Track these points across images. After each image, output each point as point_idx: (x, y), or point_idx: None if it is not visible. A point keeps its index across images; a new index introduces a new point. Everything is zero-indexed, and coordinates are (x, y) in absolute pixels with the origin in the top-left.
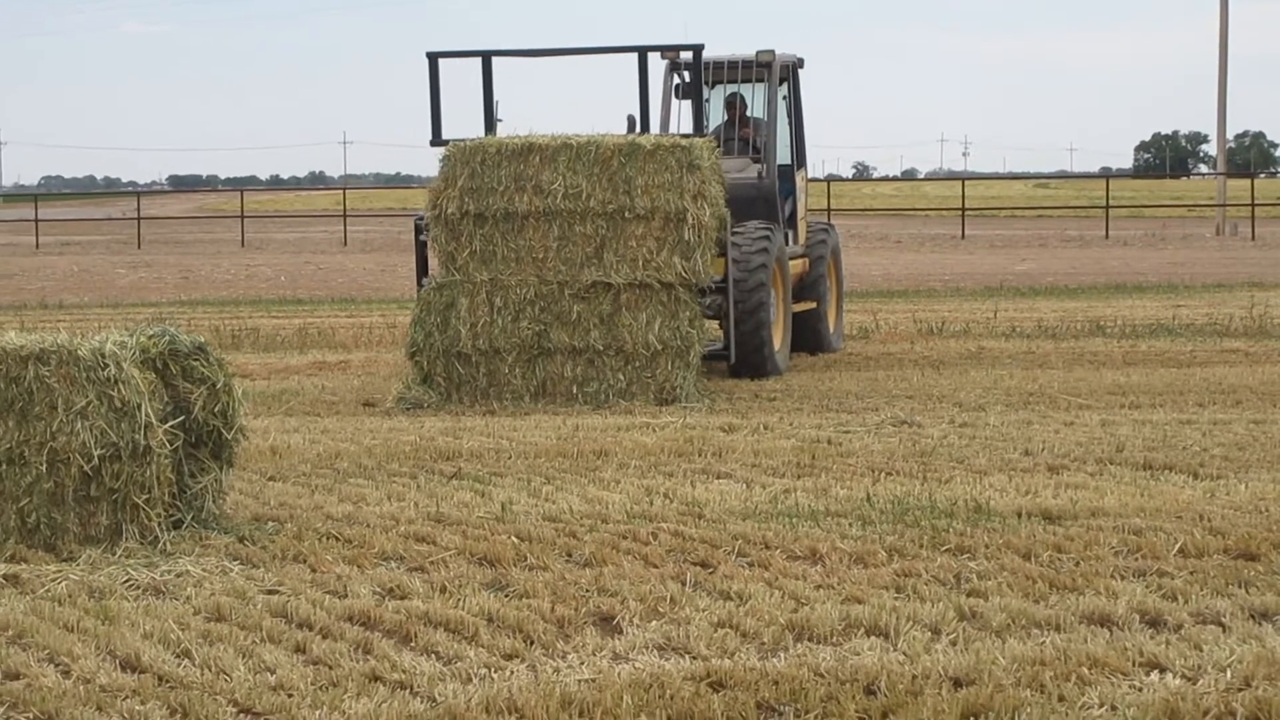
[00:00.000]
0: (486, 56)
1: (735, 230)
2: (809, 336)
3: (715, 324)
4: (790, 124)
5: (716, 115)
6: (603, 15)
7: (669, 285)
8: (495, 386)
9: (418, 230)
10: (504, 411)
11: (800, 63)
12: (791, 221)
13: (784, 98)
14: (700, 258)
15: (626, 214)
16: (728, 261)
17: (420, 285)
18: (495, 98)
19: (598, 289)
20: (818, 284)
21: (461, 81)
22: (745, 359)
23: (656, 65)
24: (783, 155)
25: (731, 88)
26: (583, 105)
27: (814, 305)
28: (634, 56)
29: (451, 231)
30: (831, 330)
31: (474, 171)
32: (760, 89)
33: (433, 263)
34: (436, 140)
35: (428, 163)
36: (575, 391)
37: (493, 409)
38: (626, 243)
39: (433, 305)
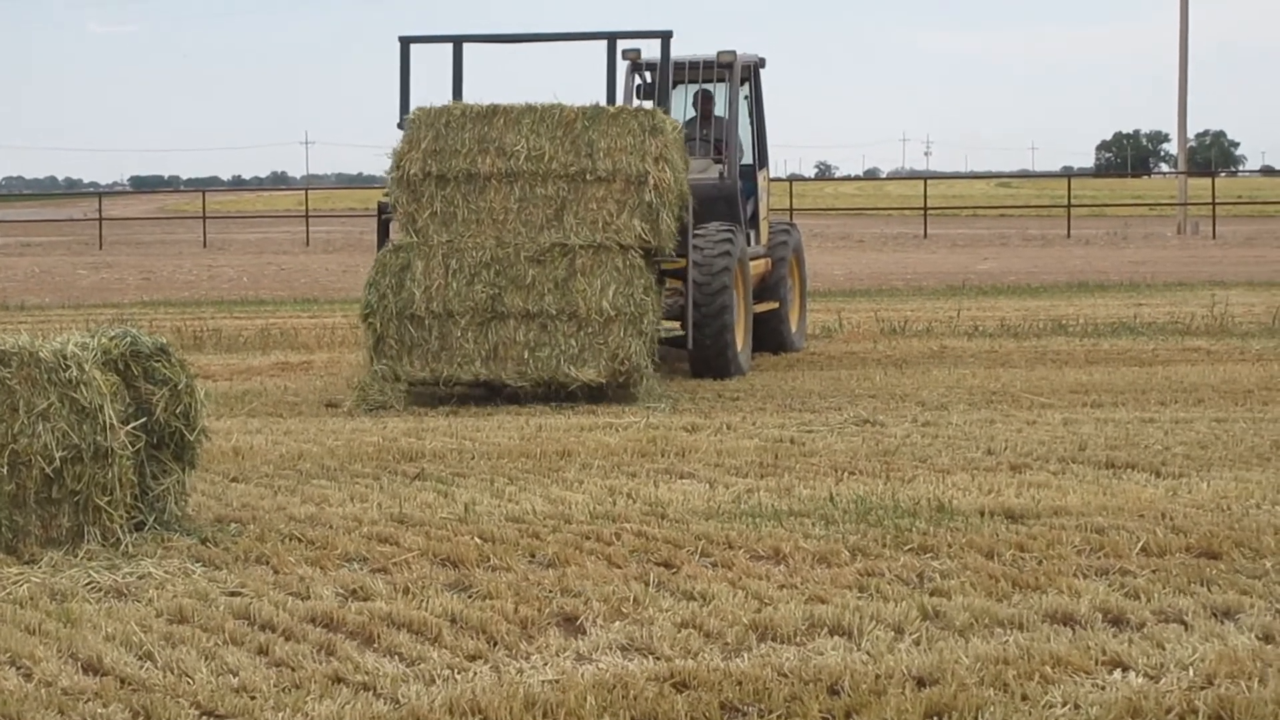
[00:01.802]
0: (458, 42)
1: (697, 232)
2: (771, 337)
3: (675, 323)
4: (752, 124)
5: (678, 115)
6: (566, 12)
7: (626, 250)
8: (447, 351)
9: (381, 210)
10: (466, 412)
11: (761, 63)
12: (754, 222)
13: (745, 98)
14: (662, 220)
15: (588, 176)
16: (689, 263)
17: None
18: (464, 84)
19: (554, 253)
20: (780, 284)
21: (430, 69)
22: (708, 361)
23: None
24: (744, 155)
25: (694, 88)
26: (551, 93)
27: (776, 306)
28: (603, 44)
29: (413, 193)
30: (794, 330)
31: (438, 134)
32: (721, 89)
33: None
34: (404, 123)
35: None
36: (526, 357)
37: (443, 372)
38: (587, 205)
39: (388, 267)
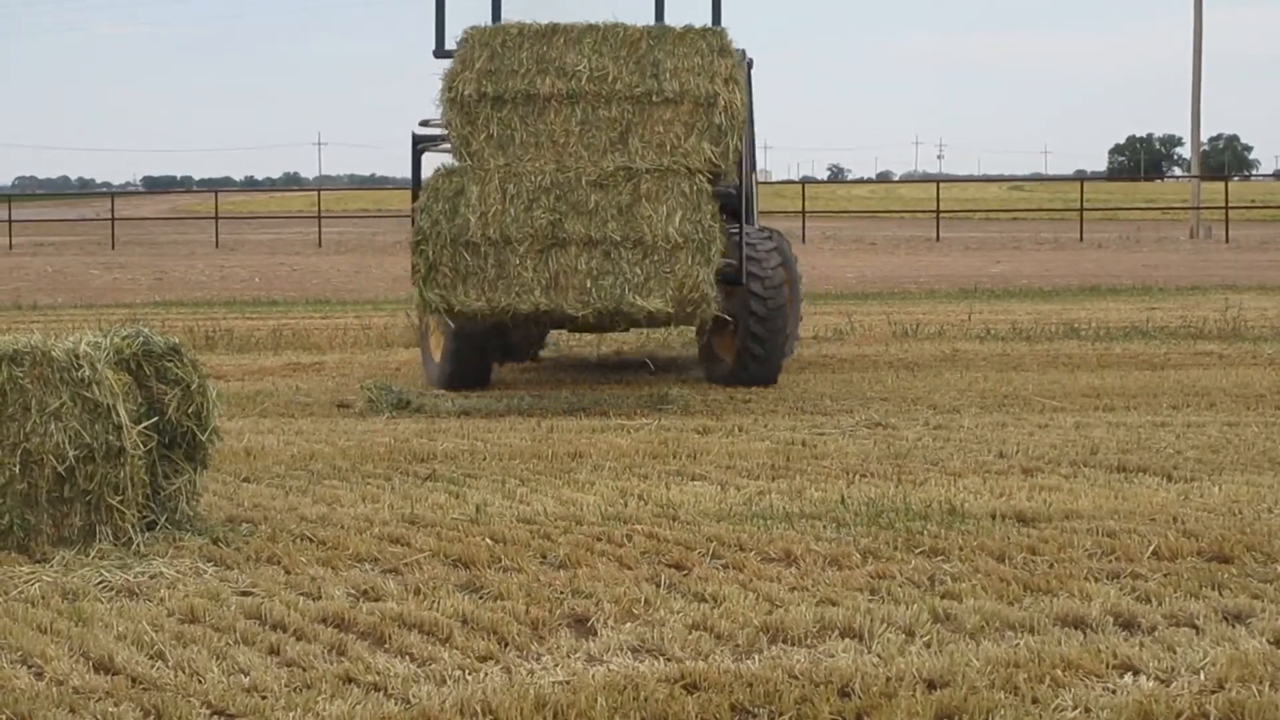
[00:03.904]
0: None
1: (733, 230)
2: None
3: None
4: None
5: None
6: None
7: (693, 175)
8: (504, 280)
9: (415, 142)
10: (477, 413)
11: (750, 63)
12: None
13: None
14: (730, 145)
15: (654, 97)
16: (743, 267)
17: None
18: (502, 8)
19: (618, 178)
20: None
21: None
22: (759, 373)
23: None
24: None
25: None
26: (610, 12)
27: None
28: None
29: (467, 115)
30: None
31: (494, 53)
32: None
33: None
34: (440, 52)
35: (403, 164)
36: (589, 286)
37: (500, 302)
38: (653, 127)
39: (441, 192)
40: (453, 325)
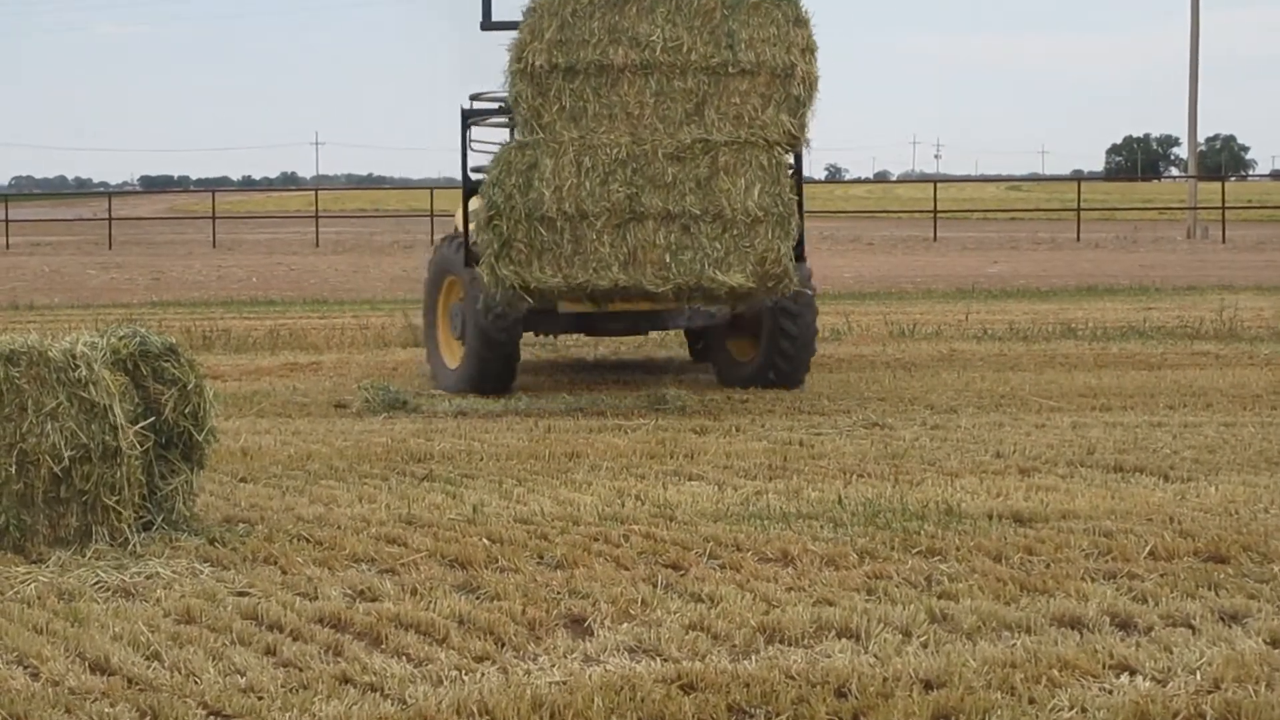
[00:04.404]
0: None
1: None
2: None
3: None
4: None
5: None
6: None
7: (771, 147)
8: (581, 255)
9: (464, 118)
10: (474, 413)
11: None
12: None
13: None
14: (807, 117)
15: (730, 68)
16: (803, 245)
17: (466, 182)
18: None
19: (694, 150)
20: None
21: None
22: (791, 369)
23: None
24: None
25: None
26: None
27: None
28: None
29: (538, 86)
30: None
31: (564, 23)
32: None
33: (473, 159)
34: (488, 24)
35: (399, 164)
36: (668, 261)
37: (577, 278)
38: (729, 99)
39: (514, 166)
40: (531, 302)
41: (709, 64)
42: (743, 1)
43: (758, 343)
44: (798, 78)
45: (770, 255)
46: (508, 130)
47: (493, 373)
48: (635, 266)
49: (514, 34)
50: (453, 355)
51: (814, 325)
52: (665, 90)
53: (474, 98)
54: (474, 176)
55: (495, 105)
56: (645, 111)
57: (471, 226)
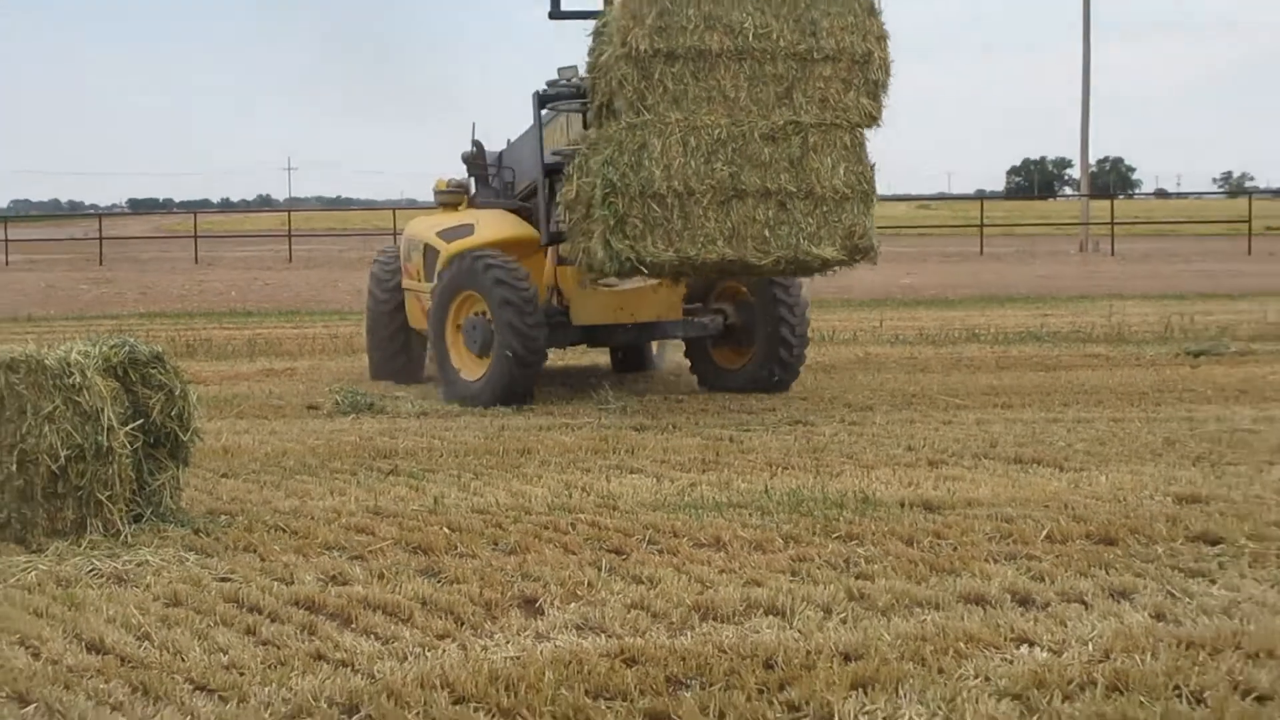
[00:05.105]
0: None
1: None
2: (635, 355)
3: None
4: None
5: None
6: None
7: (853, 129)
8: (689, 230)
9: (540, 102)
10: (435, 414)
11: None
12: None
13: None
14: (882, 100)
15: (814, 54)
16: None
17: (544, 162)
18: None
19: (786, 131)
20: None
21: None
22: (786, 372)
23: None
24: None
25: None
26: None
27: None
28: None
29: (642, 70)
30: (655, 350)
31: (663, 9)
32: None
33: (551, 140)
34: (556, 12)
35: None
36: (767, 235)
37: (687, 252)
38: (814, 83)
39: (625, 146)
40: (647, 274)
41: (795, 50)
42: None
43: (745, 350)
44: (875, 63)
45: (857, 229)
46: (580, 116)
47: (520, 385)
48: (738, 241)
49: (583, 23)
50: (470, 369)
51: (806, 330)
52: (757, 75)
53: (550, 84)
54: (549, 160)
55: (570, 87)
56: (740, 95)
57: (559, 208)
